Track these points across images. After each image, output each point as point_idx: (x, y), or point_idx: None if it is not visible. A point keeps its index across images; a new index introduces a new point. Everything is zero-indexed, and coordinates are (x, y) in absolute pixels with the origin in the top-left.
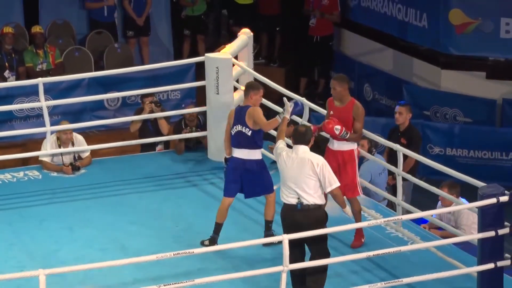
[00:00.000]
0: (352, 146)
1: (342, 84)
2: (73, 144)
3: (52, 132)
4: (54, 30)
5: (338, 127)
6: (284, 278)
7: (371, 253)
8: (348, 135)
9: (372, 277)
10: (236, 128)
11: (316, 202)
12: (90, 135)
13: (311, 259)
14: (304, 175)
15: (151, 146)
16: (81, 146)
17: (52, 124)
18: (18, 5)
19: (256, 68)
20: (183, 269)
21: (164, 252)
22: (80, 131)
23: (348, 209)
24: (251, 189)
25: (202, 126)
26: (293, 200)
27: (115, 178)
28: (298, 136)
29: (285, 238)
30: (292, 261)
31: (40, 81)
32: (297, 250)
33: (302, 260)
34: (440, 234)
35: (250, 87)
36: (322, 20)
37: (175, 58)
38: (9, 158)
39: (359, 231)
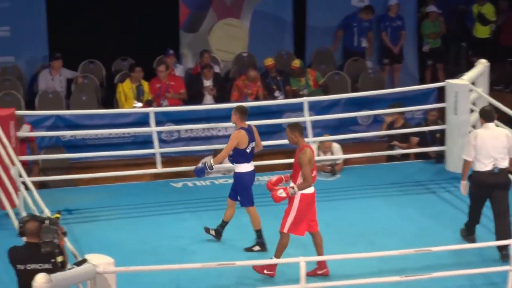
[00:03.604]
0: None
1: None
2: (331, 152)
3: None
4: (318, 56)
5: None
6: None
7: None
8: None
9: None
10: (251, 145)
11: (506, 166)
12: (344, 146)
13: (498, 206)
14: (500, 146)
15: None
16: (338, 153)
17: (314, 136)
18: (289, 36)
19: (493, 94)
20: (422, 263)
21: (406, 249)
22: (337, 142)
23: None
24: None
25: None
26: (489, 167)
27: (364, 183)
28: (489, 116)
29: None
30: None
31: (305, 100)
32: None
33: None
34: None
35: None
36: None
37: (420, 83)
38: (276, 163)
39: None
